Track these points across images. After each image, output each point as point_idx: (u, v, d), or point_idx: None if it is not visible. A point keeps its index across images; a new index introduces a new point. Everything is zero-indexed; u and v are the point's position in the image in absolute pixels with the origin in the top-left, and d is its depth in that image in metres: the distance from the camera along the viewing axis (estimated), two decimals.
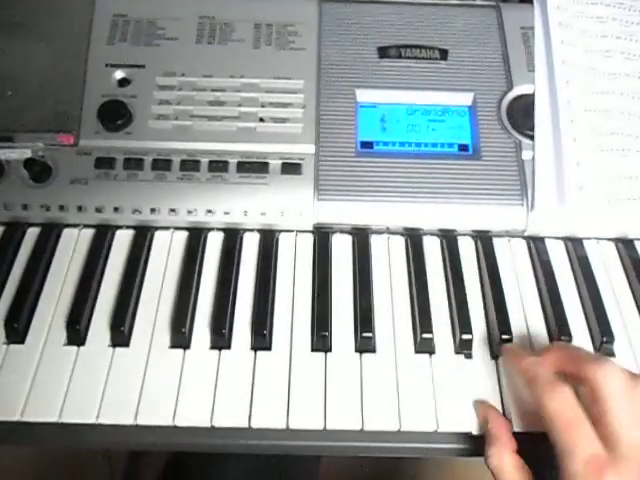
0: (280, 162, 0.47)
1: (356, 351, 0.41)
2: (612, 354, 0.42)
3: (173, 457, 0.61)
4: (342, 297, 0.44)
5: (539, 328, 0.43)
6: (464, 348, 0.41)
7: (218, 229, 0.47)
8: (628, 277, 0.46)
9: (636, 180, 0.47)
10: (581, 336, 0.43)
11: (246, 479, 0.55)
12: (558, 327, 0.42)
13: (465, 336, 0.41)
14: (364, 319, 0.42)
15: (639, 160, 0.47)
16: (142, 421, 0.38)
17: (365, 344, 0.41)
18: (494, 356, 0.42)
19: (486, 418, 0.38)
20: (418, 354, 0.41)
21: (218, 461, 0.56)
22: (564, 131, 0.48)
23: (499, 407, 0.39)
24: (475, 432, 0.39)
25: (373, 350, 0.41)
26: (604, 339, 0.42)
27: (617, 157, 0.48)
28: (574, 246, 0.47)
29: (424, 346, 0.41)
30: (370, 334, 0.41)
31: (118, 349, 0.41)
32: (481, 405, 0.39)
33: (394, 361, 0.41)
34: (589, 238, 0.48)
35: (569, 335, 0.42)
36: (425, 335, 0.41)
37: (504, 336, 0.42)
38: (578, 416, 0.33)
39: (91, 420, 0.38)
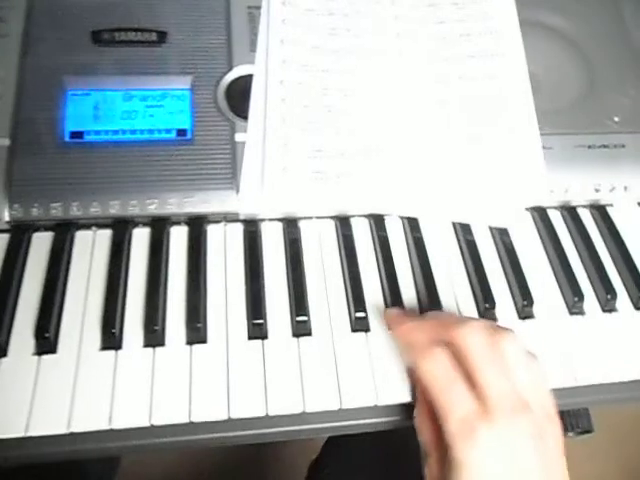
0: None
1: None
2: (309, 333, 0.42)
3: None
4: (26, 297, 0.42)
5: (239, 312, 0.42)
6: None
7: None
8: (340, 254, 0.46)
9: (347, 158, 0.47)
10: (277, 317, 0.42)
11: None
12: (253, 310, 0.42)
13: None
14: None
15: (351, 138, 0.48)
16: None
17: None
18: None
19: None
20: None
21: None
22: (272, 111, 0.47)
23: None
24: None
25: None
26: (297, 318, 0.42)
27: (329, 135, 0.48)
28: (288, 227, 0.47)
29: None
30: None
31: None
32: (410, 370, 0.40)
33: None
34: (310, 218, 0.48)
35: (262, 318, 0.42)
36: (111, 329, 0.40)
37: (196, 324, 0.41)
38: (451, 377, 0.34)
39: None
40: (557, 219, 0.51)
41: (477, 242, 0.48)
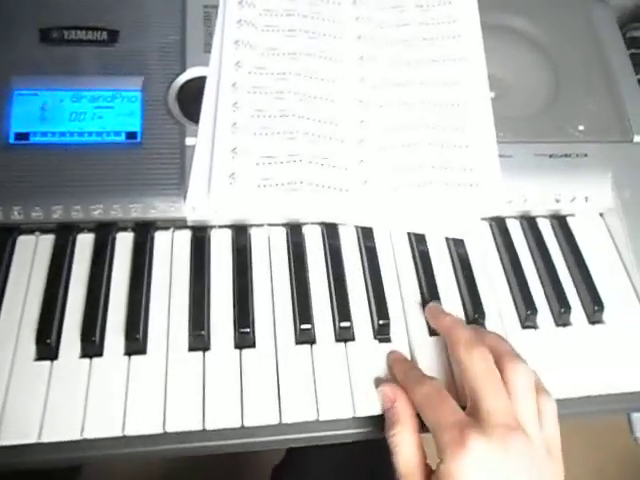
0: None
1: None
2: (253, 345, 0.41)
3: None
4: None
5: (181, 322, 0.41)
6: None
7: None
8: (289, 261, 0.45)
9: (299, 164, 0.46)
10: (221, 328, 0.41)
11: None
12: (195, 321, 0.41)
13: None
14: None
15: (305, 144, 0.46)
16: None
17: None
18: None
19: (393, 398, 0.39)
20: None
21: None
22: (222, 115, 0.46)
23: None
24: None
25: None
26: (241, 330, 0.41)
27: (282, 141, 0.46)
28: (238, 234, 0.46)
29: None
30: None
31: None
32: (386, 386, 0.40)
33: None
34: (261, 225, 0.47)
35: (204, 329, 0.40)
36: (46, 339, 0.39)
37: (135, 335, 0.40)
38: (443, 396, 0.36)
39: None
40: (516, 229, 0.50)
41: (431, 252, 0.46)
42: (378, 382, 0.40)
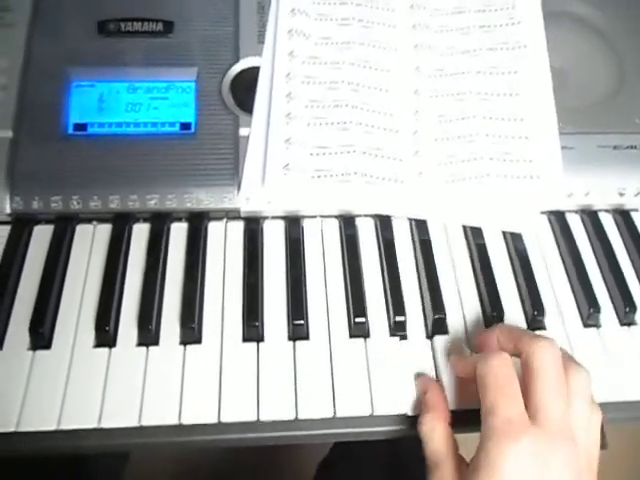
0: None
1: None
2: (306, 337, 0.41)
3: None
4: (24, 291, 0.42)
5: (235, 313, 0.41)
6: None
7: None
8: (342, 253, 0.44)
9: (353, 156, 0.45)
10: (274, 319, 0.41)
11: None
12: (249, 312, 0.41)
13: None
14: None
15: (359, 135, 0.46)
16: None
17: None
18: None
19: (425, 389, 0.39)
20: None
21: None
22: (276, 105, 0.45)
23: None
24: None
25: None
26: (295, 321, 0.40)
27: (336, 131, 0.46)
28: (291, 225, 0.46)
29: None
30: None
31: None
32: (421, 378, 0.40)
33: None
34: (313, 216, 0.46)
35: (258, 320, 0.41)
36: (104, 327, 0.40)
37: (191, 324, 0.40)
38: (510, 379, 0.34)
39: None
40: (576, 224, 0.48)
41: (488, 246, 0.45)
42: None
